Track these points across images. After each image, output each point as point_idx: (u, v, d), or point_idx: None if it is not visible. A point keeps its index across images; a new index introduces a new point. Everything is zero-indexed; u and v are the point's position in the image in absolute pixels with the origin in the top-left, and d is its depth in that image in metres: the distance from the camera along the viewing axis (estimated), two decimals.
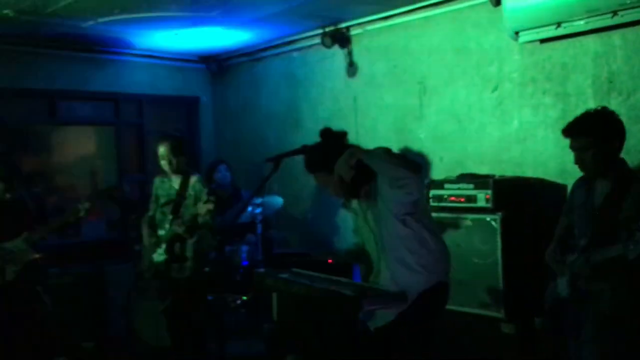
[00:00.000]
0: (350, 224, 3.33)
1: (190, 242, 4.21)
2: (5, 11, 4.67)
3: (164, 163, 4.27)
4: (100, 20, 5.08)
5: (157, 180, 4.46)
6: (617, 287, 2.70)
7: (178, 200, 4.26)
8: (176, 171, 4.29)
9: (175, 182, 4.33)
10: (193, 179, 4.29)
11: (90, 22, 5.15)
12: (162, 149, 4.24)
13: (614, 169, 2.82)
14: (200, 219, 4.15)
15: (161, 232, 4.27)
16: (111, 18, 5.04)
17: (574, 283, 2.80)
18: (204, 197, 4.15)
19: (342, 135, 3.04)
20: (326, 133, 3.04)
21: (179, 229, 4.16)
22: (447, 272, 3.04)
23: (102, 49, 6.19)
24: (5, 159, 4.32)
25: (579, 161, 2.87)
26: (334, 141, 3.01)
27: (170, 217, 4.24)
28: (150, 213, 4.46)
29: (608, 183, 2.81)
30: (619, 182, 2.77)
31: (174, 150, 4.23)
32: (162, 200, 4.36)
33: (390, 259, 2.94)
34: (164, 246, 4.24)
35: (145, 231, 4.36)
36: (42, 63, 5.91)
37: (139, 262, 4.69)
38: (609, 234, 2.71)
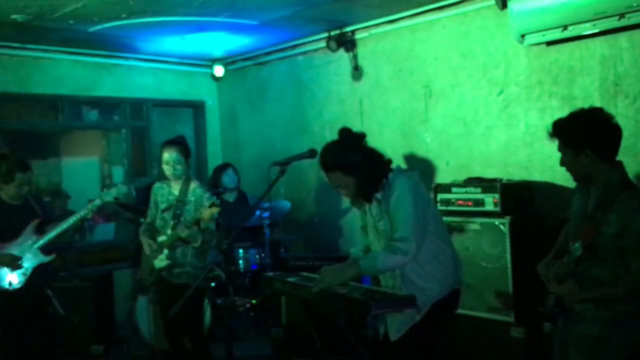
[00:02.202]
0: (358, 227, 3.33)
1: (190, 247, 4.18)
2: (14, 16, 4.70)
3: (167, 168, 4.21)
4: (107, 24, 5.10)
5: (155, 187, 4.43)
6: (601, 308, 2.50)
7: (178, 206, 4.22)
8: (181, 176, 4.26)
9: (175, 187, 4.29)
10: (193, 185, 4.25)
11: (98, 27, 5.17)
12: (167, 155, 4.20)
13: (604, 175, 2.57)
14: (202, 224, 4.10)
15: (162, 238, 4.25)
16: (118, 23, 5.05)
17: (558, 299, 2.62)
18: (206, 203, 4.10)
19: (362, 136, 2.98)
20: (345, 133, 2.99)
21: (183, 233, 4.12)
22: (459, 280, 3.06)
23: (109, 53, 6.22)
24: (19, 160, 4.34)
25: (563, 163, 2.67)
26: (352, 142, 2.97)
27: (172, 222, 4.21)
28: (148, 220, 4.44)
29: (598, 190, 2.60)
30: (605, 193, 2.53)
31: (180, 157, 4.20)
32: (162, 206, 4.33)
33: (404, 269, 2.92)
34: (166, 252, 4.22)
35: (144, 239, 4.31)
36: (49, 67, 5.94)
37: (138, 269, 4.67)
38: (585, 248, 2.49)
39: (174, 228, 4.17)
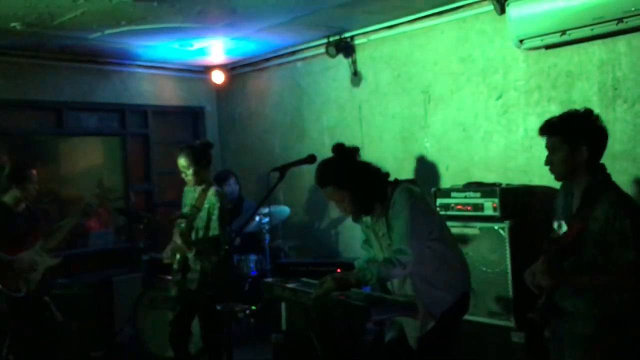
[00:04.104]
0: (357, 233, 3.33)
1: (191, 255, 4.21)
2: (13, 24, 4.70)
3: (182, 175, 4.29)
4: (107, 32, 5.11)
5: (185, 189, 4.47)
6: (593, 305, 2.51)
7: (193, 212, 4.25)
8: (196, 182, 4.29)
9: (197, 192, 4.33)
10: (211, 191, 4.25)
11: (97, 34, 5.17)
12: (179, 161, 4.26)
13: (588, 176, 2.61)
14: (210, 233, 4.16)
15: (179, 242, 4.29)
16: (117, 30, 5.06)
17: (549, 298, 2.62)
18: (216, 212, 4.13)
19: (355, 151, 3.01)
20: (339, 149, 3.02)
21: (178, 240, 4.15)
22: (468, 283, 3.09)
23: (108, 60, 6.22)
24: (20, 166, 4.37)
25: (548, 162, 2.68)
26: (346, 157, 3.00)
27: (182, 227, 4.25)
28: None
29: (580, 190, 2.64)
30: (589, 192, 2.58)
31: (189, 162, 4.21)
32: (185, 209, 4.38)
33: (413, 277, 2.94)
34: (178, 256, 4.27)
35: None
36: (49, 75, 5.94)
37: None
38: (571, 244, 2.56)
39: (180, 234, 4.22)
